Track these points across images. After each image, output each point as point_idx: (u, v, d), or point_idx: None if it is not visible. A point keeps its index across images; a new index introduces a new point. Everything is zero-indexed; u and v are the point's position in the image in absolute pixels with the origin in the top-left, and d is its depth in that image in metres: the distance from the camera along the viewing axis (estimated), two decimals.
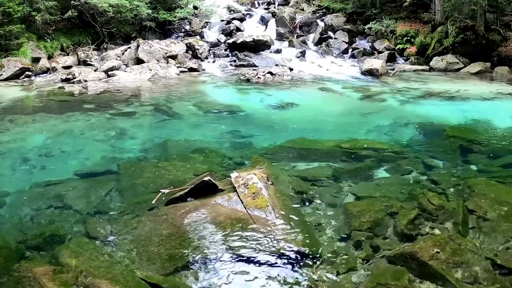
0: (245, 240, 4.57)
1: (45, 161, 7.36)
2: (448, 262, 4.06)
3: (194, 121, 10.02)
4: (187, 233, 4.72)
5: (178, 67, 16.45)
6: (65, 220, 5.26)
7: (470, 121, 9.78)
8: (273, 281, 4.05)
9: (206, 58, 18.33)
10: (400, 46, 18.54)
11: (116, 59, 16.50)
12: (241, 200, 5.20)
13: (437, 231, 4.83)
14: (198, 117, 10.35)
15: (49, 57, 16.71)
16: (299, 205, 5.50)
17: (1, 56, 15.14)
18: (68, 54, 17.50)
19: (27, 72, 15.09)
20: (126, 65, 16.31)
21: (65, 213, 5.44)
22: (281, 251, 4.40)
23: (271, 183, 5.70)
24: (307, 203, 5.60)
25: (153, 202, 5.41)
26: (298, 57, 18.30)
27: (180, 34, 20.54)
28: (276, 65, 16.85)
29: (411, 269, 4.10)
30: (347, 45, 19.80)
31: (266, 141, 8.27)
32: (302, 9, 23.20)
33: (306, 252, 4.42)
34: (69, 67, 16.11)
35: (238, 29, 20.92)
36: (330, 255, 4.44)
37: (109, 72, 15.24)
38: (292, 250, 4.42)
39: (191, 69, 16.67)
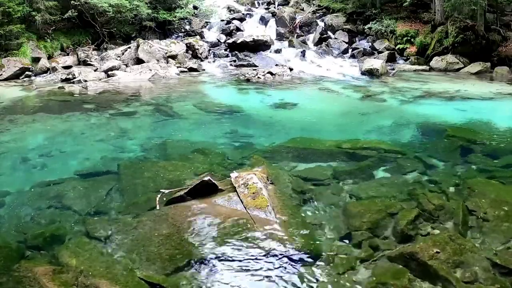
0: (245, 240, 4.57)
1: (45, 161, 7.35)
2: (448, 262, 4.06)
3: (194, 121, 10.02)
4: (187, 233, 4.71)
5: (178, 67, 16.46)
6: (65, 220, 5.26)
7: (470, 121, 9.78)
8: (273, 281, 4.05)
9: (206, 58, 18.34)
10: (400, 46, 18.55)
11: (116, 59, 16.51)
12: (241, 200, 5.20)
13: (437, 231, 4.83)
14: (198, 117, 10.35)
15: (49, 57, 16.72)
16: (299, 205, 5.49)
17: (1, 56, 15.15)
18: (68, 54, 17.51)
19: (27, 72, 15.10)
20: (126, 65, 16.31)
21: (65, 213, 5.44)
22: (281, 251, 4.40)
23: (271, 183, 5.70)
24: (307, 203, 5.60)
25: (156, 207, 5.38)
26: (298, 57, 18.30)
27: (180, 34, 20.54)
28: (276, 65, 16.85)
29: (411, 269, 4.10)
30: (347, 45, 19.81)
31: (266, 141, 8.27)
32: (302, 9, 23.21)
33: (306, 252, 4.42)
34: (69, 67, 16.11)
35: (238, 29, 20.92)
36: (330, 255, 4.44)
37: (109, 72, 15.24)
38: (292, 250, 4.42)
39: (191, 69, 16.68)
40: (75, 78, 14.38)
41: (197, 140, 8.35)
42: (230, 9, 23.00)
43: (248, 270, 4.19)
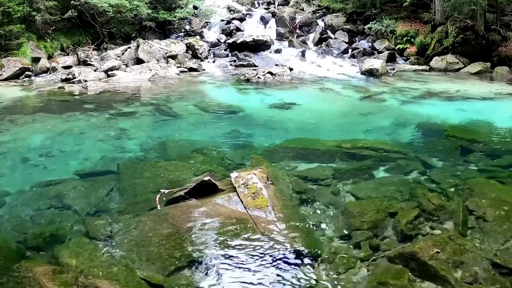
0: (245, 240, 4.57)
1: (45, 161, 7.35)
2: (448, 262, 4.06)
3: (194, 121, 10.02)
4: (187, 233, 4.71)
5: (178, 67, 16.46)
6: (65, 220, 5.26)
7: (470, 121, 9.78)
8: (273, 281, 4.05)
9: (206, 58, 18.35)
10: (400, 46, 18.56)
11: (116, 59, 16.51)
12: (241, 200, 5.20)
13: (437, 231, 4.82)
14: (198, 117, 10.35)
15: (49, 57, 16.73)
16: (299, 205, 5.49)
17: (1, 56, 15.15)
18: (68, 54, 17.52)
19: (27, 72, 15.10)
20: (126, 65, 16.31)
21: (65, 213, 5.44)
22: (281, 251, 4.40)
23: (271, 183, 5.69)
24: (307, 203, 5.60)
25: (156, 207, 5.38)
26: (298, 57, 18.29)
27: (180, 34, 20.55)
28: (276, 65, 16.85)
29: (411, 269, 4.10)
30: (347, 45, 19.82)
31: (266, 141, 8.27)
32: (302, 9, 23.22)
33: (306, 252, 4.41)
34: (69, 67, 16.12)
35: (238, 29, 20.93)
36: (330, 255, 4.44)
37: (109, 72, 15.24)
38: (292, 250, 4.42)
39: (191, 69, 16.68)
40: (75, 78, 14.38)
41: (197, 140, 8.35)
42: (230, 9, 23.01)
43: (248, 270, 4.19)
